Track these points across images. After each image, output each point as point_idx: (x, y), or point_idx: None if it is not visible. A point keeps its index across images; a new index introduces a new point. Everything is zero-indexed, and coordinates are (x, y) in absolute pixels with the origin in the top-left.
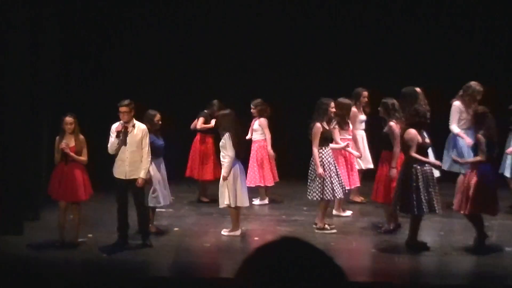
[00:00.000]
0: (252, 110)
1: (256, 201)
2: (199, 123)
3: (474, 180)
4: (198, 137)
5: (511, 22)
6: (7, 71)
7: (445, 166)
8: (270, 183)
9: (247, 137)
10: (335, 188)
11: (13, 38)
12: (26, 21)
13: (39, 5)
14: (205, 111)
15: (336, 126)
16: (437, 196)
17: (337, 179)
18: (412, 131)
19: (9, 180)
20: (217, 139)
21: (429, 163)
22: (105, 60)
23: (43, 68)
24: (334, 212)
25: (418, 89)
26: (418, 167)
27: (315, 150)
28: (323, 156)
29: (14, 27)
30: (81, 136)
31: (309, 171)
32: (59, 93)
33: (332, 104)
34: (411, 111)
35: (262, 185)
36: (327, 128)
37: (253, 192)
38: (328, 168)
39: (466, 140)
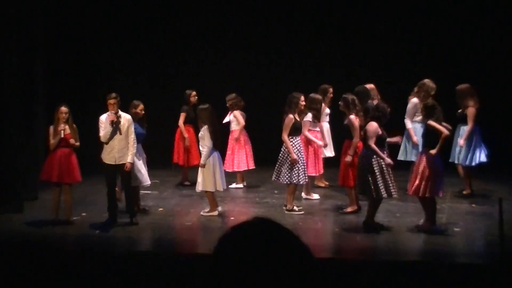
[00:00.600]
0: (227, 104)
1: (233, 185)
2: (180, 119)
3: (422, 165)
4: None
5: (461, 24)
6: (1, 66)
7: (401, 156)
8: (243, 168)
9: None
10: (300, 173)
11: (5, 34)
12: (16, 18)
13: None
14: (185, 106)
15: (310, 119)
16: (392, 181)
17: (302, 166)
18: (374, 124)
19: (9, 164)
20: (198, 129)
21: (382, 158)
22: (91, 55)
23: (35, 63)
24: (304, 195)
25: (372, 85)
26: (375, 156)
27: (285, 138)
28: (293, 145)
29: (5, 23)
30: (74, 125)
31: (279, 156)
32: (50, 85)
33: (302, 98)
34: (373, 106)
35: (237, 170)
36: (298, 119)
37: (231, 176)
38: (296, 155)
39: (413, 139)
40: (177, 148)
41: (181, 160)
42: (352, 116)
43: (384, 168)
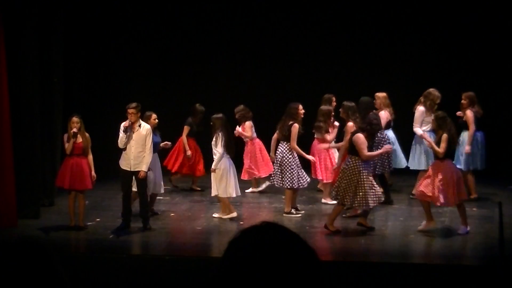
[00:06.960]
0: (236, 116)
1: (248, 190)
2: (184, 133)
3: (440, 174)
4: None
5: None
6: (23, 78)
7: (411, 165)
8: (264, 174)
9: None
10: (302, 177)
11: (26, 51)
12: (36, 36)
13: (47, 17)
14: (190, 119)
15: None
16: (376, 189)
17: (301, 170)
18: (361, 136)
19: (28, 172)
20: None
21: (380, 153)
22: (106, 67)
23: (54, 75)
24: (323, 200)
25: (384, 94)
26: (362, 167)
27: (295, 146)
28: (288, 150)
29: (26, 39)
30: (87, 134)
31: (278, 162)
32: (69, 96)
33: (301, 107)
34: (367, 118)
35: (256, 176)
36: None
37: (246, 182)
38: (292, 160)
39: (426, 140)
40: (175, 157)
41: (185, 169)
42: (350, 123)
43: (371, 177)
